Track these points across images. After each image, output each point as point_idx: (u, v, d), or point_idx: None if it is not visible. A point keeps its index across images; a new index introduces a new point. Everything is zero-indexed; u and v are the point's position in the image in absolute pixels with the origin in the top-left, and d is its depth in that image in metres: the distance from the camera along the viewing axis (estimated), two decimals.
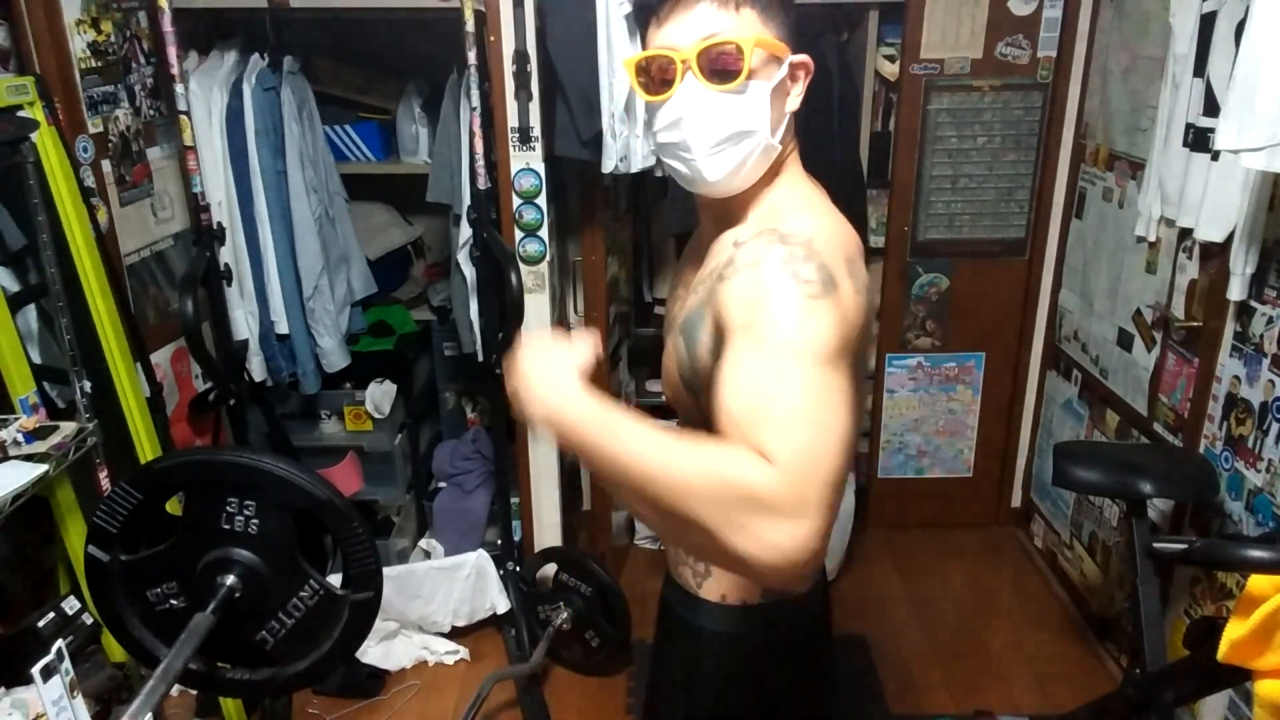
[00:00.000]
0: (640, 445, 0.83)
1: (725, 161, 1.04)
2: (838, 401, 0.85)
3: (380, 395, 2.87)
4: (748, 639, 1.21)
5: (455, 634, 2.78)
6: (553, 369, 0.93)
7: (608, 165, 2.47)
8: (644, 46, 1.08)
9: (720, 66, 1.01)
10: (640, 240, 3.32)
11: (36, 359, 2.01)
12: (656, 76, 1.04)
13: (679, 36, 1.02)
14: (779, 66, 1.06)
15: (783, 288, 0.91)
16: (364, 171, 2.93)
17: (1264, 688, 1.36)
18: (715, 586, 1.20)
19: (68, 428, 1.87)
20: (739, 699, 1.23)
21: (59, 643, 1.38)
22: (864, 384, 1.01)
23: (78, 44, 2.21)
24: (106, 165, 2.30)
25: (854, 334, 0.93)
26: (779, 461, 0.79)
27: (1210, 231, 2.05)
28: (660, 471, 0.82)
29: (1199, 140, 2.10)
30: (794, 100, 1.10)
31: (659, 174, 2.60)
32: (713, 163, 1.04)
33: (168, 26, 2.23)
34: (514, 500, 2.84)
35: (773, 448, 0.80)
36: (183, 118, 2.33)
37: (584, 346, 0.98)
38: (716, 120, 1.02)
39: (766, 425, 0.81)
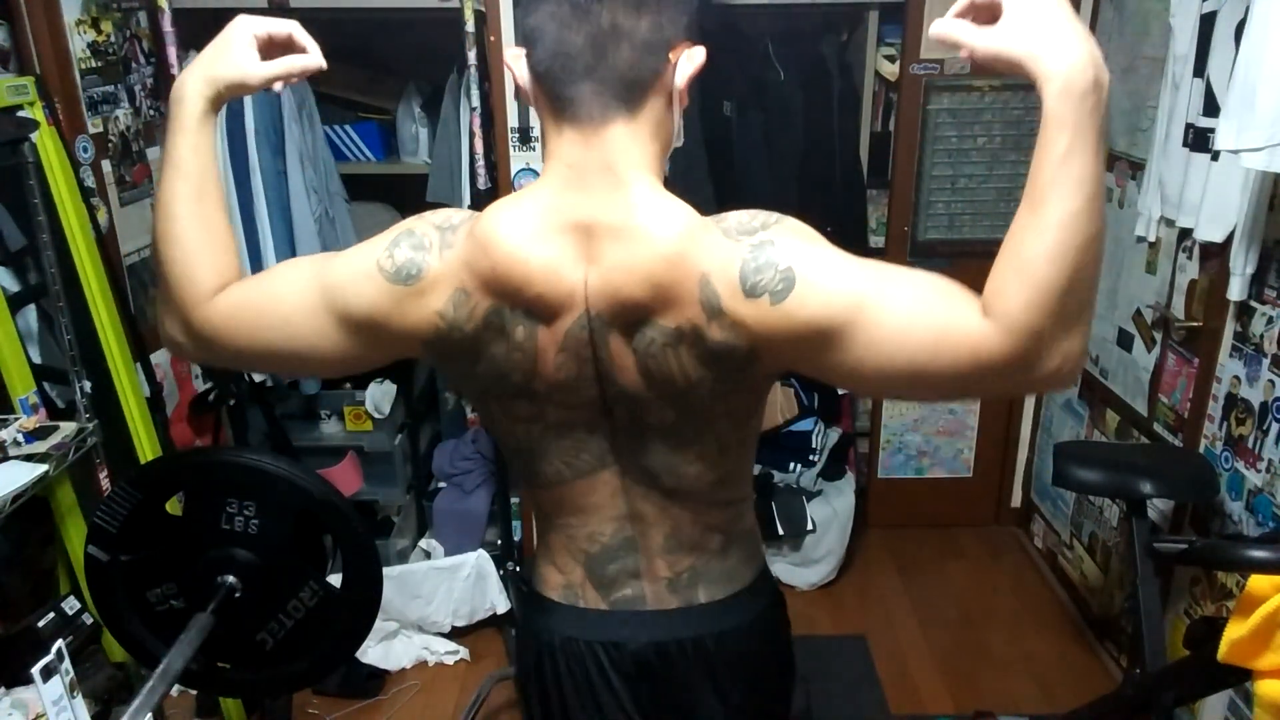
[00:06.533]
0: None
1: None
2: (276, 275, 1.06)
3: (380, 395, 2.86)
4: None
5: (455, 634, 2.78)
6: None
7: None
8: None
9: None
10: None
11: (36, 359, 2.01)
12: None
13: None
14: None
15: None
16: (364, 171, 2.93)
17: (1264, 688, 1.36)
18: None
19: (68, 428, 1.87)
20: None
21: (59, 643, 1.38)
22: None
23: (78, 44, 2.21)
24: (106, 165, 2.30)
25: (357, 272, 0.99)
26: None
27: (1210, 231, 2.05)
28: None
29: (1199, 140, 2.10)
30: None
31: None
32: None
33: (168, 26, 2.23)
34: (514, 500, 2.84)
35: None
36: None
37: None
38: None
39: None
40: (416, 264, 0.96)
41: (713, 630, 1.12)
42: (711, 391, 0.98)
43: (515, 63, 0.99)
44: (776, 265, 0.90)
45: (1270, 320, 1.94)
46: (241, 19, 1.02)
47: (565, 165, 0.96)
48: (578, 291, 0.94)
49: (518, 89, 1.01)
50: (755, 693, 1.17)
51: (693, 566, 1.11)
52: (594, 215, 0.93)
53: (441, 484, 3.08)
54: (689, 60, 0.96)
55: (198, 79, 1.01)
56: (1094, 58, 0.81)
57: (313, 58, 1.03)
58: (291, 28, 1.03)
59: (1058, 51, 0.81)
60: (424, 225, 0.99)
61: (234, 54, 1.01)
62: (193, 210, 1.02)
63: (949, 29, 0.88)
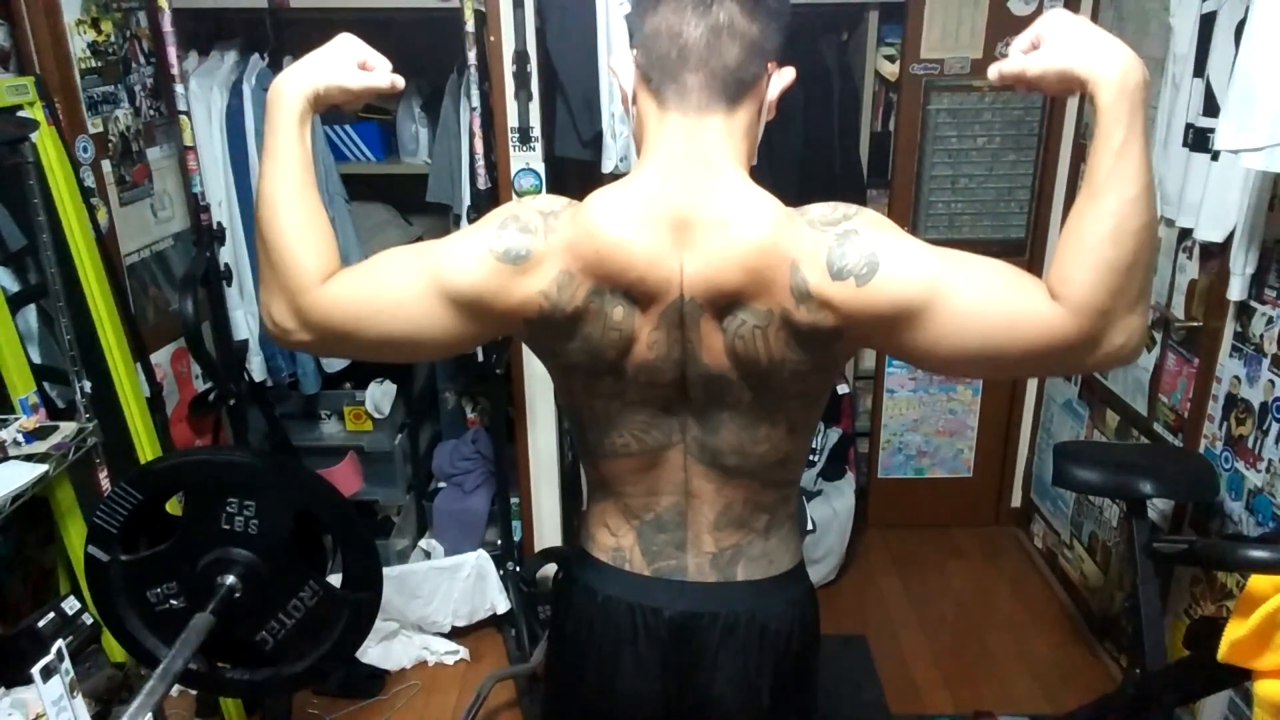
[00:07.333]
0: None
1: None
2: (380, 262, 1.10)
3: (380, 395, 2.87)
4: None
5: (455, 634, 2.78)
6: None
7: (608, 165, 2.46)
8: None
9: None
10: None
11: (36, 359, 2.01)
12: None
13: None
14: None
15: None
16: (364, 171, 2.93)
17: (1264, 688, 1.36)
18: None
19: (68, 428, 1.87)
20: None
21: (59, 643, 1.38)
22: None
23: (78, 44, 2.21)
24: (106, 165, 2.30)
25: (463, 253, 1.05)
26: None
27: (1210, 232, 2.05)
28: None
29: (1199, 140, 2.10)
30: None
31: None
32: None
33: (168, 26, 2.22)
34: (514, 500, 2.83)
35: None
36: (183, 118, 2.33)
37: None
38: None
39: None
40: (525, 245, 1.02)
41: (746, 608, 1.17)
42: (792, 373, 1.04)
43: (621, 66, 1.08)
44: (861, 250, 0.97)
45: (1270, 320, 1.94)
46: (349, 37, 1.12)
47: (665, 154, 1.02)
48: (674, 277, 1.00)
49: (621, 97, 1.09)
50: (779, 676, 1.20)
51: (736, 544, 1.17)
52: (691, 205, 0.99)
53: (441, 484, 3.08)
54: (781, 77, 1.06)
55: (300, 80, 1.08)
56: (1137, 59, 0.92)
57: (398, 80, 1.13)
58: (384, 62, 1.12)
59: (1107, 58, 0.91)
60: (528, 211, 1.05)
61: (341, 63, 1.10)
62: (297, 201, 1.07)
63: (1005, 65, 0.98)
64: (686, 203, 0.99)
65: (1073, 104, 2.88)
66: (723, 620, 1.16)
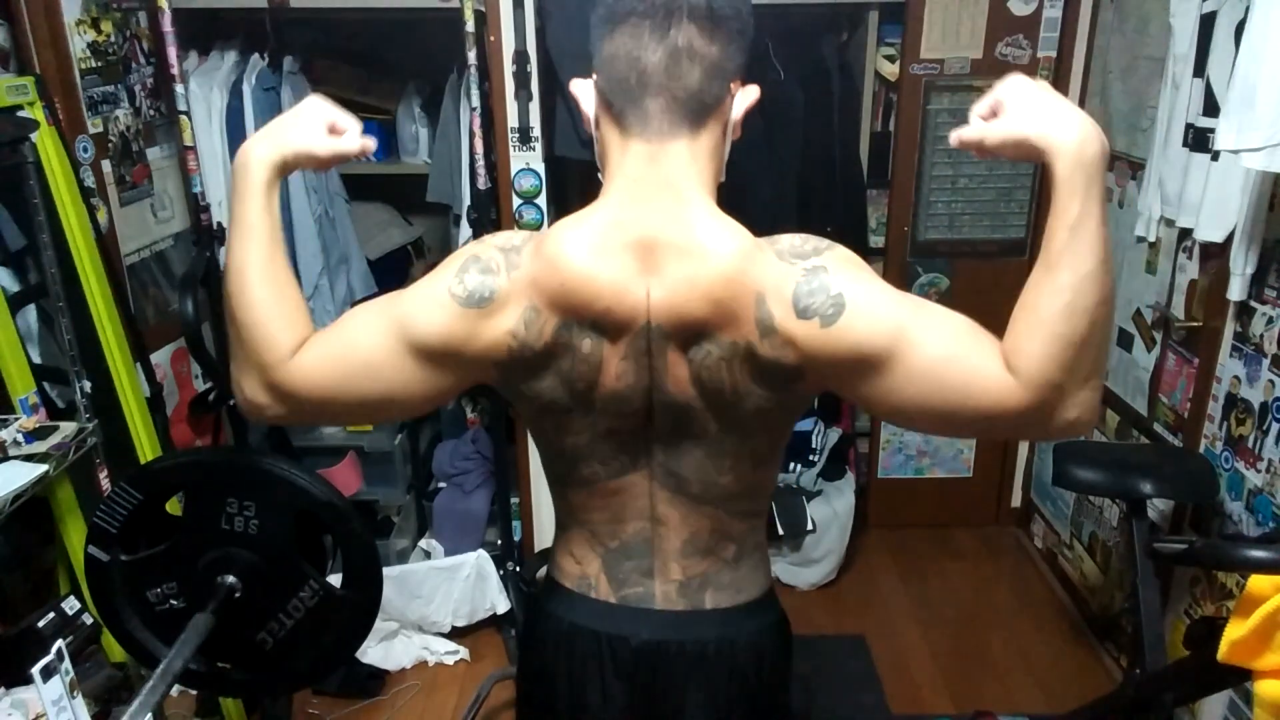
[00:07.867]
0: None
1: None
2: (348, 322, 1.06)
3: None
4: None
5: (455, 634, 2.78)
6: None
7: None
8: None
9: None
10: None
11: (36, 359, 2.01)
12: None
13: None
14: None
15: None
16: (364, 171, 2.93)
17: (1264, 688, 1.36)
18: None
19: (68, 428, 1.86)
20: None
21: (59, 643, 1.38)
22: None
23: (78, 44, 2.21)
24: (106, 165, 2.30)
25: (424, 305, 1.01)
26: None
27: (1210, 232, 2.05)
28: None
29: (1199, 140, 2.10)
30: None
31: None
32: None
33: (168, 27, 2.23)
34: (514, 500, 2.84)
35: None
36: (183, 118, 2.34)
37: None
38: None
39: None
40: (488, 286, 0.99)
41: (714, 636, 1.14)
42: (756, 407, 1.02)
43: (582, 91, 1.05)
44: (828, 290, 0.95)
45: (1270, 320, 1.94)
46: (316, 100, 1.08)
47: (629, 181, 1.00)
48: (640, 305, 0.98)
49: (581, 119, 1.06)
50: (748, 707, 1.17)
51: (704, 573, 1.14)
52: (656, 231, 0.97)
53: (441, 484, 3.08)
54: (745, 96, 1.04)
55: (267, 148, 1.04)
56: (1096, 129, 0.89)
57: (369, 143, 1.09)
58: (353, 125, 1.08)
59: (1065, 127, 0.89)
60: (488, 250, 1.02)
61: (308, 128, 1.06)
62: (265, 271, 1.04)
63: (965, 132, 0.96)
64: (652, 229, 0.96)
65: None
66: (691, 649, 1.13)
